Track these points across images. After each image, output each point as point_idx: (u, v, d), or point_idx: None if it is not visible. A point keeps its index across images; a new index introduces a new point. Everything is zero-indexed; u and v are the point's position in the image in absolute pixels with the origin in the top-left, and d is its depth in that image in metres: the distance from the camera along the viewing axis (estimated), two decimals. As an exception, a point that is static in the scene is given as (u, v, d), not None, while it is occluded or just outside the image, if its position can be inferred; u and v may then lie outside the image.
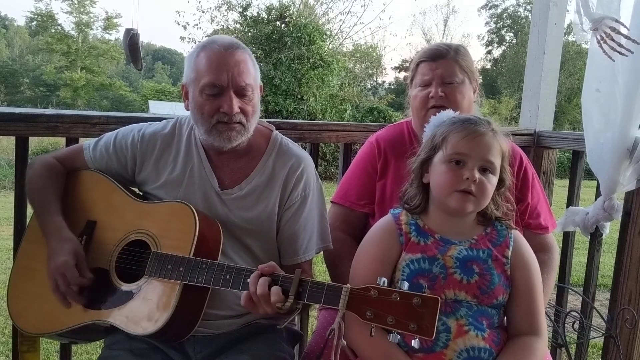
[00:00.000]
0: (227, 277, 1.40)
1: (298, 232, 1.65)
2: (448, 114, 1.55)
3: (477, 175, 1.40)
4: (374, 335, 1.21)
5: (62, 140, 1.98)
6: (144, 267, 1.50)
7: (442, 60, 1.81)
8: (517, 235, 1.52)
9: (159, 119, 1.79)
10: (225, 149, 1.60)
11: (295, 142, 1.79)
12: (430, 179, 1.48)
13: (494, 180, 1.44)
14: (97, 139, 1.75)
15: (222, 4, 20.18)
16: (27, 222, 1.77)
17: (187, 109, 1.63)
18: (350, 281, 1.48)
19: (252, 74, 1.59)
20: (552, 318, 2.46)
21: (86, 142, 1.76)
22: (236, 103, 1.54)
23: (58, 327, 1.54)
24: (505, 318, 1.50)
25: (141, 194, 1.72)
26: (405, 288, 1.22)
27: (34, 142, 10.86)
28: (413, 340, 1.20)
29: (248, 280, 1.36)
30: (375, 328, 1.21)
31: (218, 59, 1.54)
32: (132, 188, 1.72)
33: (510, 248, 1.47)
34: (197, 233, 1.47)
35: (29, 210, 1.83)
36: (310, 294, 1.29)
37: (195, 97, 1.57)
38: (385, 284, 1.23)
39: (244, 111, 1.57)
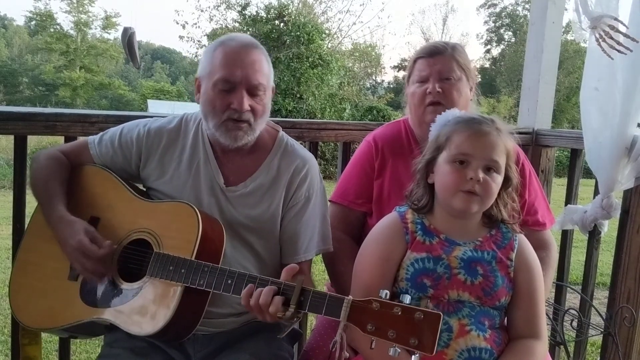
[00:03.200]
0: (229, 282, 1.39)
1: (299, 232, 1.65)
2: (453, 113, 1.53)
3: (481, 175, 1.39)
4: (374, 348, 1.20)
5: (61, 139, 1.98)
6: (145, 266, 1.50)
7: (440, 57, 1.81)
8: (522, 238, 1.52)
9: (160, 117, 1.78)
10: (230, 147, 1.60)
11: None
12: (435, 180, 1.47)
13: (498, 179, 1.43)
14: (101, 133, 1.74)
15: (220, 3, 20.20)
16: (27, 222, 1.76)
17: (198, 102, 1.63)
18: (353, 279, 1.48)
19: (265, 74, 1.60)
20: (551, 316, 2.46)
21: (90, 137, 1.75)
22: (247, 101, 1.55)
23: (58, 323, 1.54)
24: (506, 319, 1.50)
25: (145, 190, 1.71)
26: (407, 301, 1.21)
27: (33, 141, 10.77)
28: (413, 356, 1.19)
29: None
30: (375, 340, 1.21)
31: (234, 55, 1.55)
32: (137, 185, 1.72)
33: (515, 251, 1.47)
34: (199, 234, 1.46)
35: (28, 210, 1.83)
36: (312, 304, 1.28)
37: (208, 91, 1.57)
38: (388, 297, 1.22)
39: (254, 110, 1.57)
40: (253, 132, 1.60)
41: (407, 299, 1.22)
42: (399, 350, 1.19)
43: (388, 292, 1.23)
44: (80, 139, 1.89)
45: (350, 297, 1.25)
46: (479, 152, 1.40)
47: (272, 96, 1.67)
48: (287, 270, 1.35)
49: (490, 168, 1.41)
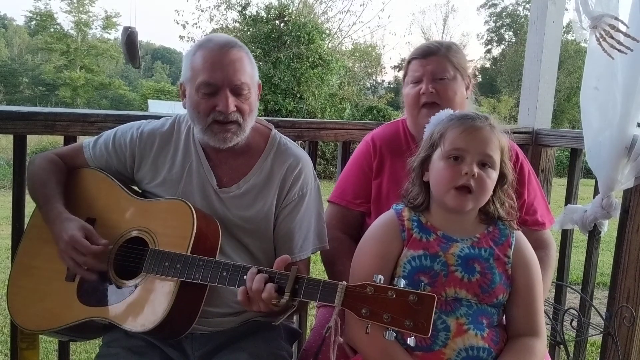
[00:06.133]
0: (224, 274, 1.40)
1: (294, 230, 1.65)
2: (447, 112, 1.54)
3: (475, 170, 1.39)
4: (369, 332, 1.21)
5: (60, 139, 1.99)
6: (142, 264, 1.50)
7: (433, 57, 1.81)
8: (519, 235, 1.52)
9: (157, 118, 1.79)
10: (221, 149, 1.60)
11: (294, 140, 1.80)
12: (429, 177, 1.48)
13: (493, 175, 1.43)
14: (96, 137, 1.75)
15: (221, 3, 20.17)
16: (26, 221, 1.77)
17: (185, 108, 1.63)
18: (351, 277, 1.48)
19: (248, 72, 1.58)
20: (551, 316, 2.46)
21: (86, 140, 1.77)
22: (232, 102, 1.54)
23: (57, 324, 1.54)
24: (504, 317, 1.50)
25: (140, 191, 1.72)
26: (402, 285, 1.22)
27: (33, 141, 10.85)
28: (409, 338, 1.19)
29: (245, 277, 1.36)
30: (372, 325, 1.21)
31: (213, 57, 1.54)
32: (132, 186, 1.72)
33: (512, 247, 1.47)
34: (194, 230, 1.47)
35: (28, 210, 1.83)
36: (306, 291, 1.29)
37: (192, 96, 1.57)
38: (382, 282, 1.23)
39: (241, 110, 1.57)
40: (243, 132, 1.60)
41: (402, 283, 1.22)
42: (395, 334, 1.19)
43: (382, 277, 1.24)
44: (76, 142, 1.89)
45: (344, 282, 1.26)
46: (473, 147, 1.41)
47: (259, 92, 1.66)
48: (278, 261, 1.36)
49: (485, 163, 1.41)
